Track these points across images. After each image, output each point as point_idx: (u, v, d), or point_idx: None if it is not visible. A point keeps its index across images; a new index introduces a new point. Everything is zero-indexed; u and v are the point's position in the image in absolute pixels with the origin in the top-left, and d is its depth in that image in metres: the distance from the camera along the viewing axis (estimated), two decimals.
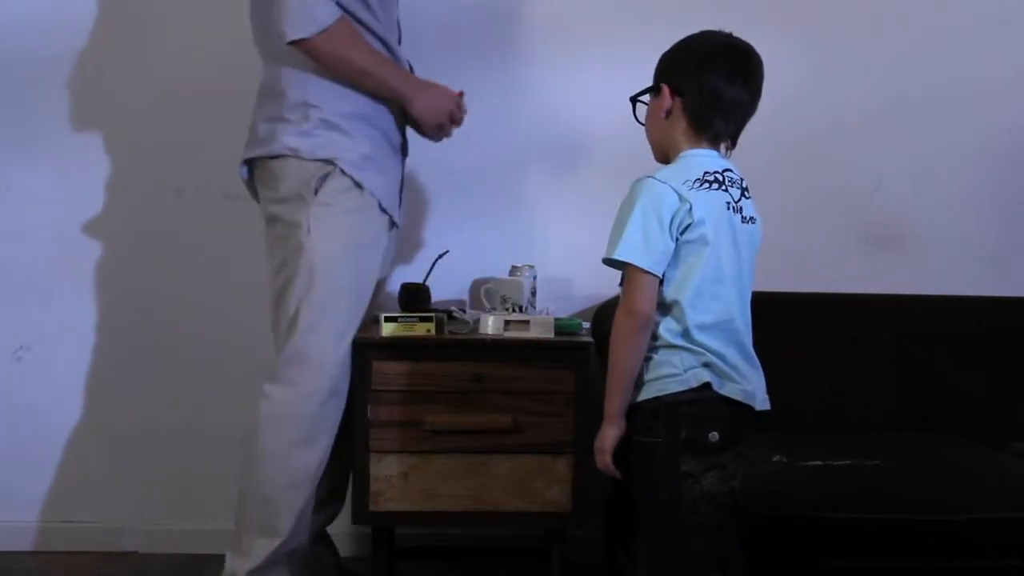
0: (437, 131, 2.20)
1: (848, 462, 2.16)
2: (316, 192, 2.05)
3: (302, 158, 2.05)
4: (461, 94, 2.21)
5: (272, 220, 2.13)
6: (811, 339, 2.49)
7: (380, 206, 2.12)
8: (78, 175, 2.63)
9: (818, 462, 2.15)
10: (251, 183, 2.18)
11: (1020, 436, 2.40)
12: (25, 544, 2.66)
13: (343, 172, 2.06)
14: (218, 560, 2.12)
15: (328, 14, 1.98)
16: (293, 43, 1.98)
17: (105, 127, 2.63)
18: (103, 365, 2.67)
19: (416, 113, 2.14)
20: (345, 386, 2.12)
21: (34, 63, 2.61)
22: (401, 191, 2.24)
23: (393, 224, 2.20)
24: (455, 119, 2.20)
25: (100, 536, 2.67)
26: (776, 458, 2.13)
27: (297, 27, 1.96)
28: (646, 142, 1.82)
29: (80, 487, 2.68)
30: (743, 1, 2.50)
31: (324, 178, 2.05)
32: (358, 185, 2.07)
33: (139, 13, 2.61)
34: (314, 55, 2.01)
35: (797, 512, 1.97)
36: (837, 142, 2.67)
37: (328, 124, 2.06)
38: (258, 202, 2.19)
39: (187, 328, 2.65)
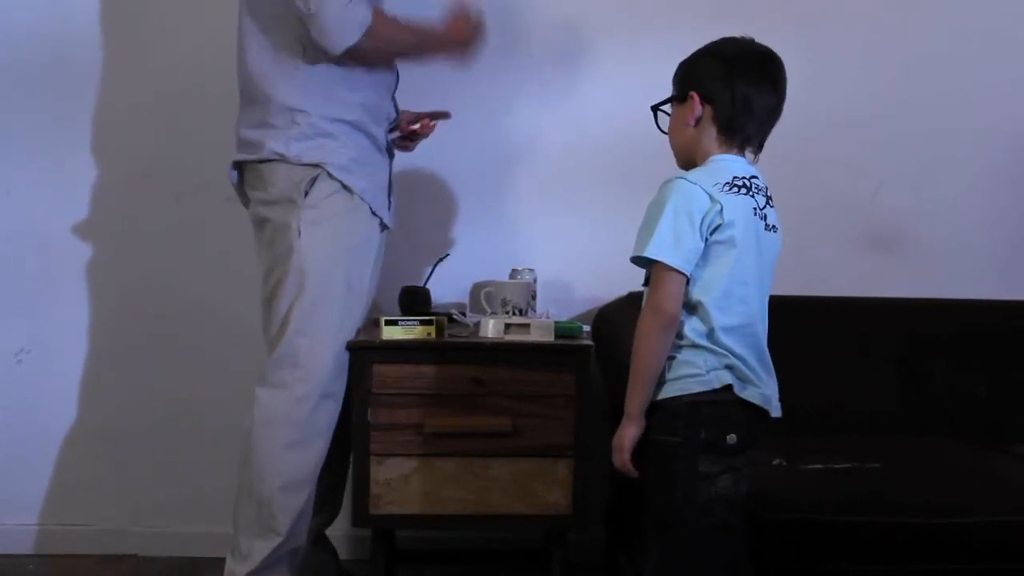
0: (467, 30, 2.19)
1: (849, 465, 2.16)
2: (306, 195, 2.05)
3: (290, 162, 2.06)
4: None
5: (262, 223, 2.13)
6: (812, 342, 2.48)
7: (371, 209, 2.13)
8: (78, 179, 2.64)
9: (819, 465, 2.15)
10: (240, 187, 2.18)
11: (1021, 439, 2.40)
12: (24, 547, 2.66)
13: (331, 176, 2.07)
14: (218, 563, 2.12)
15: (365, 13, 2.00)
16: (340, 55, 2.00)
17: (104, 131, 2.64)
18: (103, 368, 2.67)
19: (453, 41, 2.17)
20: (339, 388, 2.12)
21: (33, 66, 2.62)
22: (390, 194, 2.24)
23: (384, 227, 2.20)
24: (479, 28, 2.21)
25: (99, 539, 2.66)
26: (777, 461, 2.13)
27: (344, 36, 1.99)
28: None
29: (80, 490, 2.68)
30: (745, 5, 2.52)
31: (313, 181, 2.06)
32: (346, 188, 2.08)
33: (139, 16, 2.62)
34: (360, 55, 2.03)
35: (798, 515, 1.96)
36: (838, 145, 2.67)
37: (315, 129, 2.07)
38: (246, 207, 2.20)
39: (187, 331, 2.65)
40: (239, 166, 2.16)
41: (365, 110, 2.12)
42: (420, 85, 2.35)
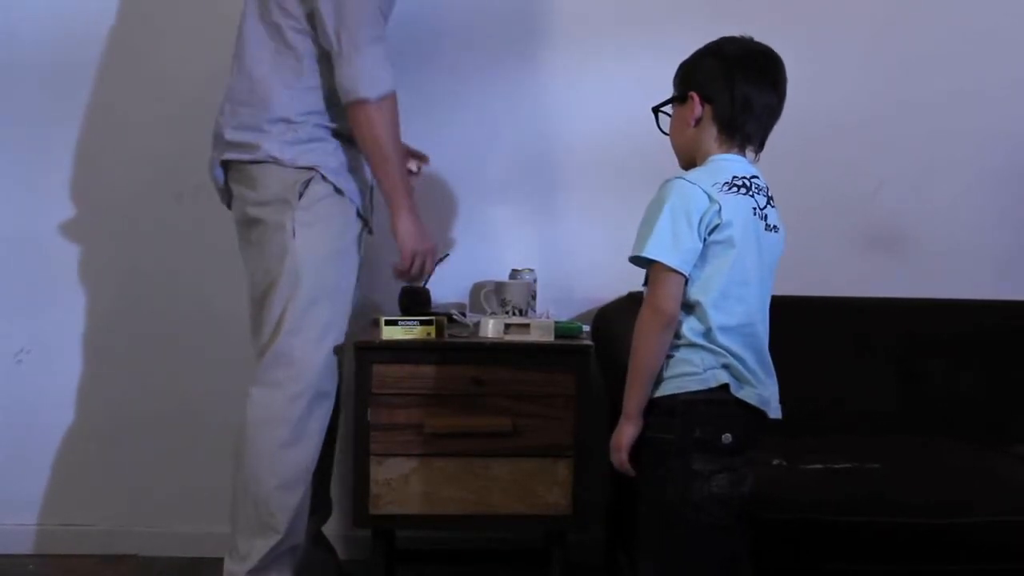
0: (408, 259, 2.16)
1: (848, 465, 2.16)
2: (300, 197, 2.06)
3: (284, 165, 2.07)
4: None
5: (251, 223, 2.13)
6: (811, 342, 2.48)
7: (358, 212, 2.14)
8: (78, 179, 2.64)
9: (818, 465, 2.15)
10: (225, 186, 2.18)
11: (1020, 439, 2.40)
12: (24, 547, 2.66)
13: (324, 178, 2.08)
14: (218, 563, 2.12)
15: (389, 81, 2.04)
16: (352, 102, 2.02)
17: (104, 131, 2.63)
18: (103, 368, 2.67)
19: (399, 228, 2.13)
20: (331, 387, 2.13)
21: (33, 67, 2.61)
22: (372, 199, 2.24)
23: (366, 230, 2.21)
24: (427, 264, 2.20)
25: (100, 539, 2.66)
26: (776, 461, 2.13)
27: (365, 88, 2.01)
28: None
29: (80, 490, 2.68)
30: (745, 5, 2.52)
31: (307, 183, 2.07)
32: (338, 191, 2.09)
33: (139, 16, 2.62)
34: (359, 117, 2.04)
35: (798, 515, 1.97)
36: (838, 145, 2.67)
37: (309, 134, 2.09)
38: (228, 205, 2.21)
39: (187, 331, 2.65)
40: (224, 165, 2.15)
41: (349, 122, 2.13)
42: (420, 86, 2.35)
